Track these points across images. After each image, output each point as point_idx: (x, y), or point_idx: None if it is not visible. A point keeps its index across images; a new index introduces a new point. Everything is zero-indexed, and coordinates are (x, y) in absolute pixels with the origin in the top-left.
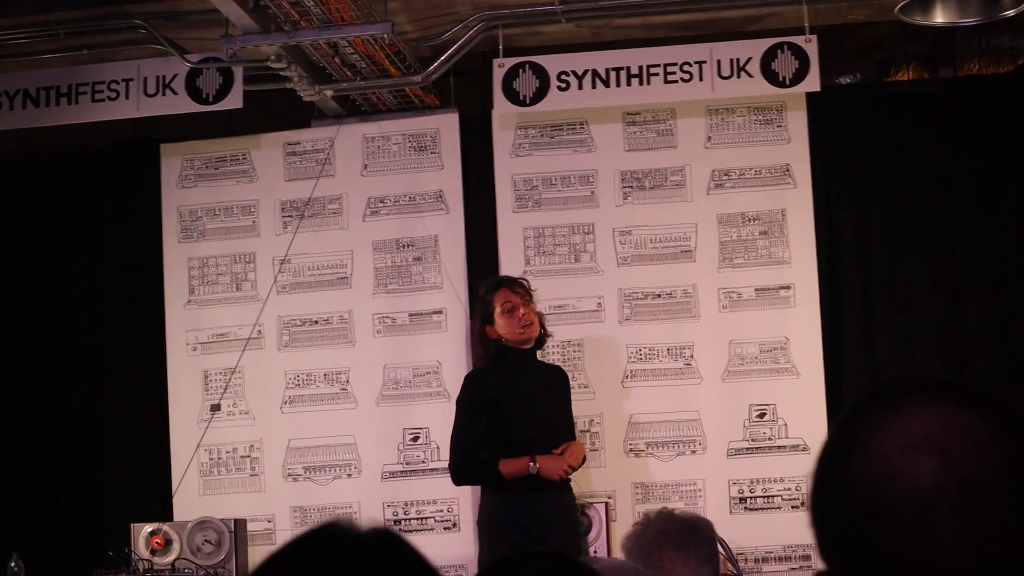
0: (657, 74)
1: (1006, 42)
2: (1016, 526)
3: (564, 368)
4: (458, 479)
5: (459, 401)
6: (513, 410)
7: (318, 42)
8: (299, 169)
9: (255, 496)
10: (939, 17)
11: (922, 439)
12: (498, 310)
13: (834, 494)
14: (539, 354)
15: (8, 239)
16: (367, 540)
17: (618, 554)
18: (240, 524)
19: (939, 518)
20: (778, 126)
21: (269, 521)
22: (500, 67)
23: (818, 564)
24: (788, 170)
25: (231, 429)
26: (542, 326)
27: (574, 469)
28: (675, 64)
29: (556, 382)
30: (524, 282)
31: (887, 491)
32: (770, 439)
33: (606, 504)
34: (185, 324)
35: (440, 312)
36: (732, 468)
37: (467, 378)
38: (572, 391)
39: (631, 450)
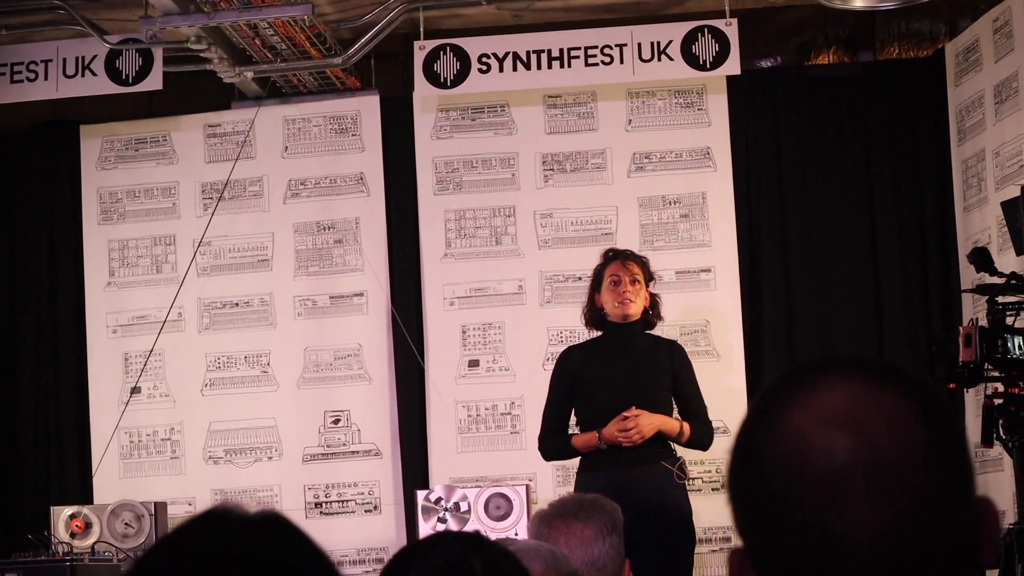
0: (578, 57)
1: (925, 26)
2: (930, 503)
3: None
4: (543, 457)
5: (550, 379)
6: (595, 384)
7: (238, 23)
8: (219, 151)
9: (176, 479)
10: (859, 1)
11: (837, 415)
12: (606, 282)
13: (749, 471)
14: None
15: None
16: (254, 524)
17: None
18: (160, 507)
19: (853, 494)
20: (699, 109)
21: (190, 504)
22: (421, 49)
23: (736, 545)
24: (709, 153)
25: (151, 412)
26: (652, 308)
27: (641, 436)
28: (596, 47)
29: (660, 357)
30: (642, 259)
31: (801, 467)
32: None
33: (527, 487)
34: (105, 306)
35: (361, 295)
36: None
37: (560, 354)
38: (492, 373)
39: None
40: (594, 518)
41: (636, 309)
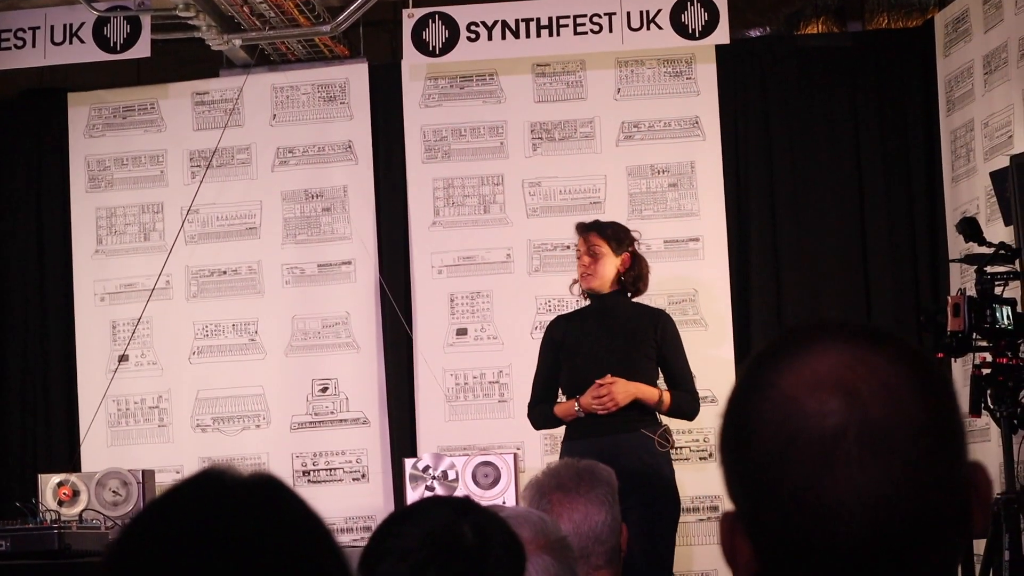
0: (567, 25)
1: None
2: (923, 468)
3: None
4: (533, 426)
5: (539, 348)
6: (577, 352)
7: None
8: (208, 119)
9: (163, 447)
10: None
11: (829, 379)
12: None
13: (741, 436)
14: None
15: None
16: (248, 486)
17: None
18: (148, 475)
19: (844, 458)
20: (687, 78)
21: (177, 472)
22: (409, 17)
23: (727, 509)
24: (697, 122)
25: (139, 380)
26: (629, 272)
27: (615, 404)
28: (585, 16)
29: (644, 326)
30: (606, 228)
31: (793, 431)
32: None
33: (515, 455)
34: (93, 274)
35: (349, 263)
36: None
37: (548, 324)
38: (480, 341)
39: None
40: (595, 490)
41: (596, 283)
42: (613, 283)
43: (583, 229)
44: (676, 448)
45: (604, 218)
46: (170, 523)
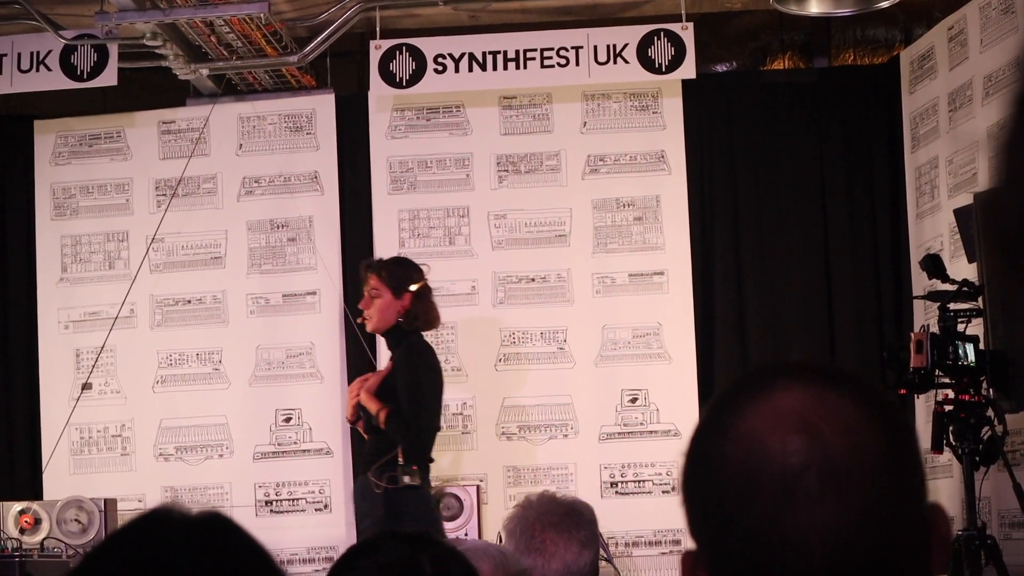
0: (534, 58)
1: (881, 33)
2: (883, 507)
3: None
4: None
5: None
6: None
7: (194, 20)
8: (174, 148)
9: (126, 476)
10: (815, 7)
11: (791, 419)
12: None
13: (703, 472)
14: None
15: None
16: (197, 525)
17: (491, 537)
18: (110, 504)
19: (806, 496)
20: (654, 112)
21: (140, 501)
22: (377, 49)
23: (688, 547)
24: (663, 156)
25: (102, 408)
26: (408, 314)
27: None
28: (552, 49)
29: (392, 362)
30: (383, 268)
31: (755, 469)
32: (642, 424)
33: (477, 487)
34: (57, 302)
35: (314, 293)
36: (604, 452)
37: None
38: (445, 373)
39: (503, 433)
40: (583, 530)
41: (372, 326)
42: (393, 323)
43: (365, 269)
44: (394, 486)
45: (568, 251)
46: (119, 564)
